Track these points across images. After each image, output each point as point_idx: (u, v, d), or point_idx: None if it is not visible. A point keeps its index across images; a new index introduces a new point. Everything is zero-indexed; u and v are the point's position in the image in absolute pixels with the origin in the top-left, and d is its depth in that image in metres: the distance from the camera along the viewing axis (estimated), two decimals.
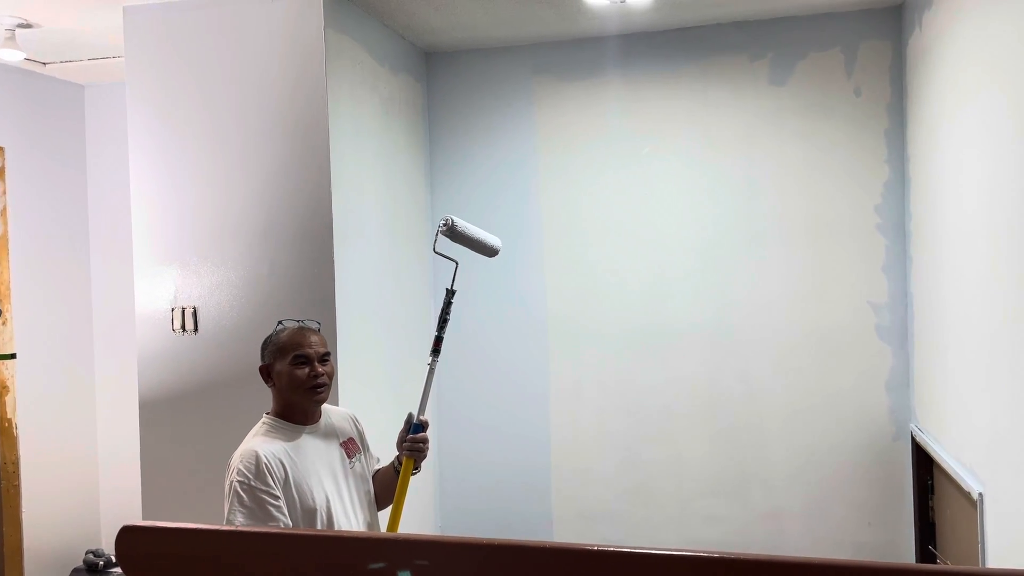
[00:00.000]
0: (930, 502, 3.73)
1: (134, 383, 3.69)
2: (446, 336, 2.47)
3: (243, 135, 3.46)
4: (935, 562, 3.65)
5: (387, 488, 2.43)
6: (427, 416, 2.41)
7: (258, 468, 2.11)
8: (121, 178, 4.61)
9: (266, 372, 2.28)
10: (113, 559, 4.55)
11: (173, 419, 3.53)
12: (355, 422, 2.46)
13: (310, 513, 2.16)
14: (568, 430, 4.34)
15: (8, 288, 4.33)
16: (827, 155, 4.03)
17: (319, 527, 2.16)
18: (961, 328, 2.99)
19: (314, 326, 2.35)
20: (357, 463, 2.37)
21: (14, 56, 3.93)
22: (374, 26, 3.86)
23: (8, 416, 4.32)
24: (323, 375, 2.26)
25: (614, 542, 4.17)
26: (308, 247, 3.40)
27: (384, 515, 2.42)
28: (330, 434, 2.33)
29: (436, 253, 2.48)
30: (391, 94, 4.03)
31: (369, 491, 2.40)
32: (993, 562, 2.71)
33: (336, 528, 2.20)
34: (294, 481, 2.15)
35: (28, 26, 3.78)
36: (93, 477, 4.87)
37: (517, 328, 4.38)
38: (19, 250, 4.44)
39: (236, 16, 3.46)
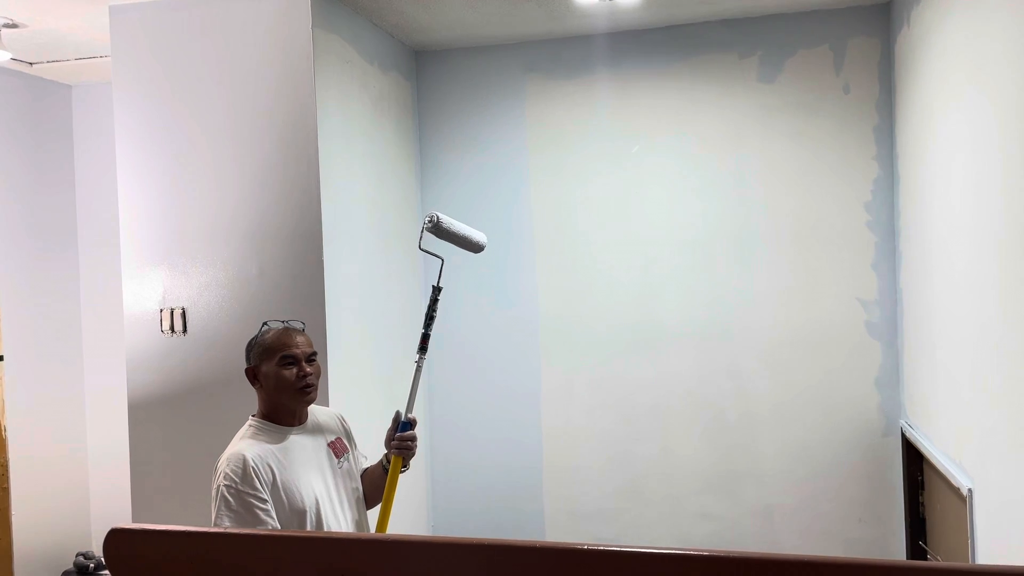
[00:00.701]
0: (920, 498, 3.75)
1: (123, 384, 3.67)
2: (436, 333, 2.46)
3: (231, 134, 3.45)
4: (925, 558, 3.67)
5: (377, 486, 2.42)
6: (416, 414, 2.40)
7: (245, 471, 2.10)
8: (109, 178, 4.59)
9: (252, 374, 2.26)
10: (103, 561, 4.52)
11: (162, 420, 3.51)
12: (342, 421, 2.46)
13: (299, 514, 2.15)
14: (559, 429, 4.34)
15: None
16: (816, 152, 4.04)
17: (308, 528, 2.15)
18: (950, 324, 3.01)
19: (299, 326, 2.33)
20: (345, 462, 2.36)
21: (1, 56, 3.90)
22: (363, 25, 3.84)
23: None
24: (311, 375, 2.25)
25: (606, 540, 4.17)
26: (297, 247, 3.39)
27: (373, 514, 2.41)
28: (317, 434, 2.32)
29: (421, 250, 2.47)
30: (380, 93, 4.02)
31: (358, 489, 2.39)
32: (983, 557, 2.72)
33: (326, 528, 2.19)
34: (282, 483, 2.14)
35: (14, 26, 3.75)
36: (83, 479, 4.85)
37: (508, 327, 4.38)
38: (6, 251, 4.41)
39: (223, 15, 3.45)
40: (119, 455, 4.26)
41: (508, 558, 1.10)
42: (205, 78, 3.47)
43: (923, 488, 3.72)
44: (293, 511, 2.14)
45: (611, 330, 4.26)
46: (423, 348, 2.40)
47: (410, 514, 4.16)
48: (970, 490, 2.76)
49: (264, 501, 2.09)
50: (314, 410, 2.36)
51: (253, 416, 2.28)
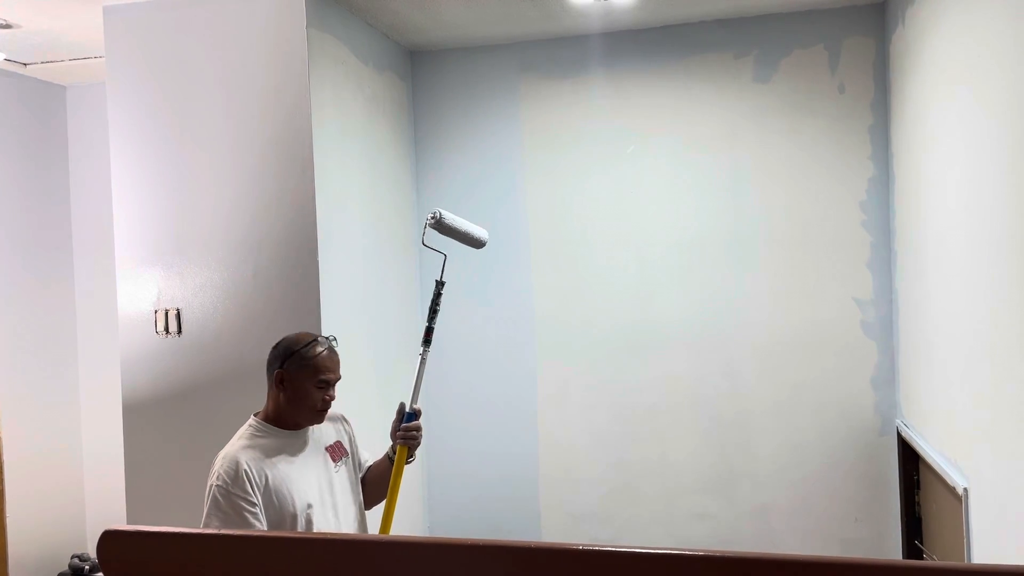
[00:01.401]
0: (916, 497, 3.75)
1: (118, 386, 3.66)
2: (436, 330, 2.51)
3: (226, 135, 3.44)
4: (921, 557, 3.67)
5: (382, 480, 2.43)
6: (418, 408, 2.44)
7: (237, 474, 2.11)
8: (104, 179, 4.58)
9: (280, 378, 2.24)
10: (98, 563, 4.51)
11: (157, 422, 3.50)
12: (344, 422, 2.46)
13: (291, 518, 2.15)
14: (556, 429, 4.34)
15: None
16: (811, 152, 4.04)
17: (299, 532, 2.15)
18: (945, 323, 3.01)
19: (337, 347, 2.35)
20: (343, 467, 2.36)
21: None
22: (358, 25, 3.84)
23: None
24: (332, 399, 2.29)
25: (602, 541, 4.17)
26: (293, 248, 3.38)
27: (379, 509, 2.41)
28: (315, 439, 2.32)
29: (425, 246, 2.51)
30: (375, 93, 4.01)
31: (356, 494, 2.39)
32: (978, 556, 2.73)
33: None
34: (274, 487, 2.14)
35: (8, 27, 3.74)
36: (78, 481, 4.84)
37: (504, 327, 4.38)
38: (0, 252, 4.40)
39: (217, 15, 3.44)
40: (114, 456, 4.25)
41: (505, 558, 1.10)
42: (199, 79, 3.46)
43: (919, 487, 3.72)
44: (284, 515, 2.14)
45: (607, 330, 4.26)
46: (427, 341, 2.46)
47: (407, 514, 4.15)
48: (965, 489, 2.77)
49: (253, 504, 2.10)
50: None
51: (255, 416, 2.28)
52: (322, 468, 2.29)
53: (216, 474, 2.13)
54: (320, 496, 2.24)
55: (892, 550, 3.96)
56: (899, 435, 3.86)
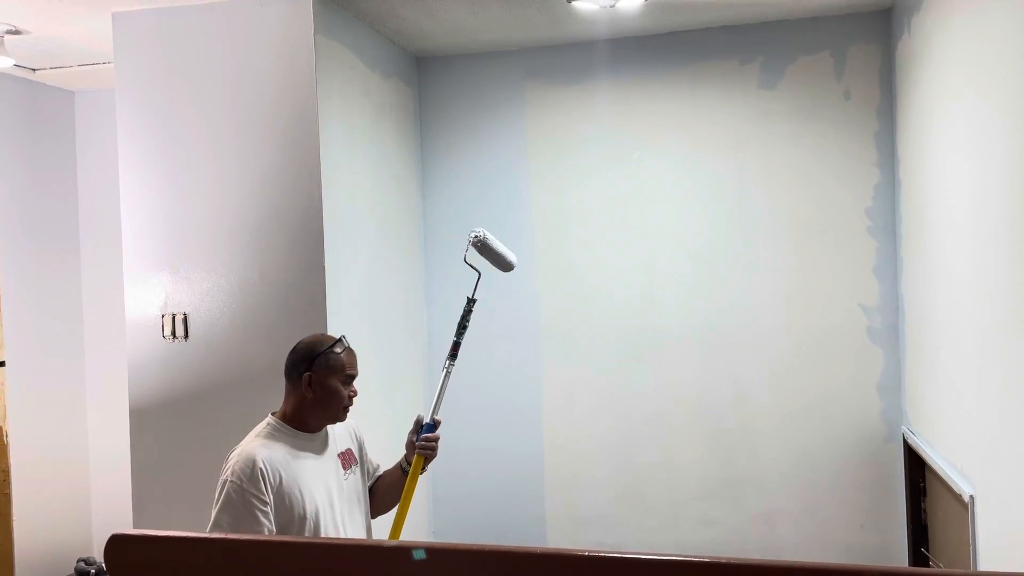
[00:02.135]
0: (922, 504, 3.74)
1: (125, 390, 3.68)
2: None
3: (233, 141, 3.45)
4: (928, 564, 3.66)
5: (394, 489, 2.45)
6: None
7: (252, 472, 2.11)
8: (111, 184, 4.59)
9: (309, 381, 2.26)
10: (104, 567, 4.52)
11: (164, 426, 3.51)
12: (356, 431, 2.48)
13: (299, 521, 2.15)
14: (561, 435, 4.33)
15: None
16: (817, 158, 4.04)
17: (306, 535, 2.16)
18: (952, 330, 3.00)
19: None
20: (352, 475, 2.37)
21: (3, 62, 3.91)
22: (364, 32, 3.85)
23: None
24: (355, 395, 2.34)
25: (607, 547, 4.17)
26: (299, 253, 3.39)
27: (388, 518, 2.42)
28: (329, 445, 2.33)
29: (466, 263, 2.57)
30: (382, 99, 4.02)
31: (362, 502, 2.40)
32: (984, 564, 2.72)
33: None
34: (287, 487, 2.15)
35: (17, 32, 3.76)
36: (84, 484, 4.85)
37: (509, 333, 4.38)
38: (9, 257, 4.42)
39: (226, 22, 3.45)
40: (120, 461, 4.26)
41: (510, 565, 1.10)
42: (207, 85, 3.48)
43: (925, 494, 3.71)
44: (293, 516, 2.15)
45: (612, 336, 4.26)
46: (453, 355, 2.50)
47: (412, 520, 4.14)
48: (972, 496, 2.76)
49: (265, 504, 2.10)
50: None
51: (273, 415, 2.30)
52: (333, 473, 2.31)
53: (232, 470, 2.13)
54: (328, 501, 2.25)
55: (898, 557, 3.95)
56: (905, 442, 3.85)
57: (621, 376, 4.25)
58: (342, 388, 2.28)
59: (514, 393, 4.38)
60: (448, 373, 2.49)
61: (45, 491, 4.57)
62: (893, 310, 3.98)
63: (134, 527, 3.51)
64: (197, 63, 3.49)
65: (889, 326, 3.98)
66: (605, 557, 1.06)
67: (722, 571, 1.02)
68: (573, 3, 3.65)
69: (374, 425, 3.25)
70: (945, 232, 3.06)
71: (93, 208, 4.85)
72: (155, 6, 3.49)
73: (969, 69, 2.74)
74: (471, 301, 2.55)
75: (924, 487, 3.71)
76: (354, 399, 2.32)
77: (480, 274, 2.58)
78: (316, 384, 2.25)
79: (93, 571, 4.54)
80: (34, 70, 4.43)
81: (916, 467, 3.74)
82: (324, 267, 3.37)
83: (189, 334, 3.49)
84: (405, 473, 2.42)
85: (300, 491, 2.17)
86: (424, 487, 4.37)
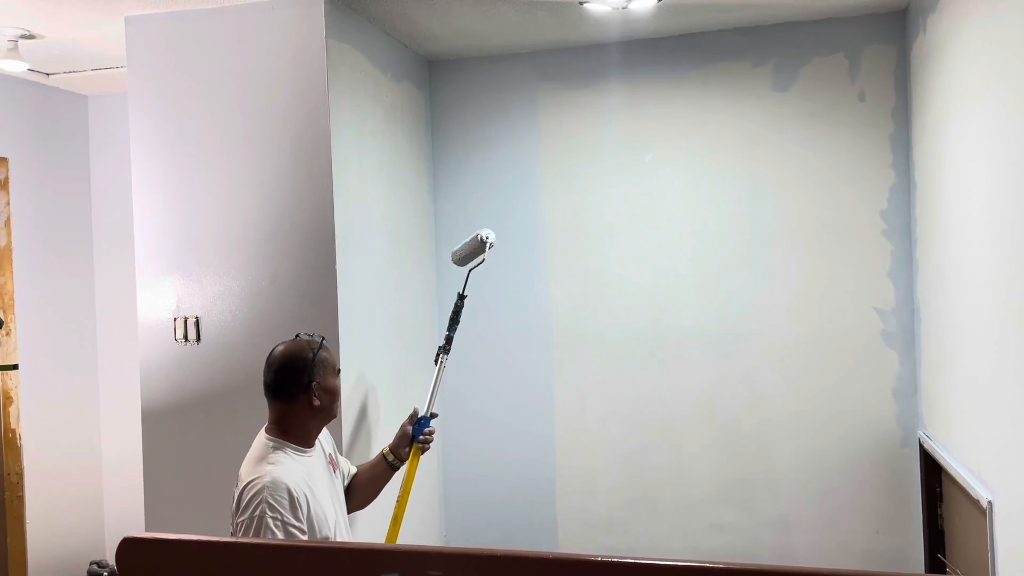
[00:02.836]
0: (939, 510, 3.70)
1: (137, 393, 3.69)
2: (456, 340, 2.61)
3: (245, 145, 3.46)
4: (944, 571, 3.62)
5: (376, 482, 2.44)
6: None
7: (292, 503, 2.06)
8: (124, 188, 4.62)
9: (316, 390, 2.21)
10: (116, 570, 4.53)
11: (176, 429, 3.52)
12: (328, 436, 2.48)
13: (326, 539, 2.14)
14: (573, 439, 4.32)
15: (12, 299, 4.33)
16: (831, 160, 4.02)
17: None
18: (968, 333, 2.97)
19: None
20: (337, 479, 2.38)
21: (17, 67, 3.94)
22: (376, 35, 3.86)
23: (12, 427, 4.31)
24: None
25: (619, 551, 4.15)
26: (311, 256, 3.39)
27: (380, 514, 2.42)
28: (322, 455, 2.32)
29: (469, 268, 2.67)
30: (393, 103, 4.03)
31: (344, 502, 2.41)
32: (1004, 571, 2.68)
33: None
34: (315, 512, 2.13)
35: (31, 37, 3.79)
36: (97, 488, 4.86)
37: (521, 337, 4.37)
38: (23, 261, 4.44)
39: (238, 26, 3.46)
40: (133, 464, 4.27)
41: (521, 569, 1.09)
42: (219, 88, 3.49)
43: (941, 500, 3.67)
44: (321, 536, 2.13)
45: (624, 339, 4.24)
46: (447, 349, 2.56)
47: (423, 524, 4.15)
48: (990, 502, 2.73)
49: (304, 532, 2.07)
50: None
51: (269, 435, 2.23)
52: (332, 485, 2.30)
53: (267, 503, 2.04)
54: (335, 510, 2.25)
55: (914, 563, 3.91)
56: (921, 447, 3.81)
57: (633, 380, 4.23)
58: (338, 384, 2.29)
59: (526, 397, 4.37)
60: (442, 366, 2.54)
61: (58, 494, 4.59)
62: (909, 313, 3.94)
63: (146, 530, 3.52)
64: (209, 66, 3.50)
65: (905, 329, 3.95)
66: (618, 562, 1.05)
67: None
68: (585, 5, 3.64)
69: (387, 427, 3.25)
70: (962, 234, 3.03)
71: (106, 212, 4.88)
72: (167, 10, 3.50)
73: (985, 69, 2.71)
74: (461, 297, 2.70)
75: (941, 492, 3.67)
76: None
77: (469, 271, 2.73)
78: (323, 390, 2.22)
79: (105, 574, 4.55)
80: (48, 75, 4.46)
81: (932, 472, 3.71)
82: (336, 270, 3.37)
83: (201, 337, 3.50)
84: (390, 466, 2.40)
85: (323, 510, 2.16)
86: (435, 491, 4.36)
